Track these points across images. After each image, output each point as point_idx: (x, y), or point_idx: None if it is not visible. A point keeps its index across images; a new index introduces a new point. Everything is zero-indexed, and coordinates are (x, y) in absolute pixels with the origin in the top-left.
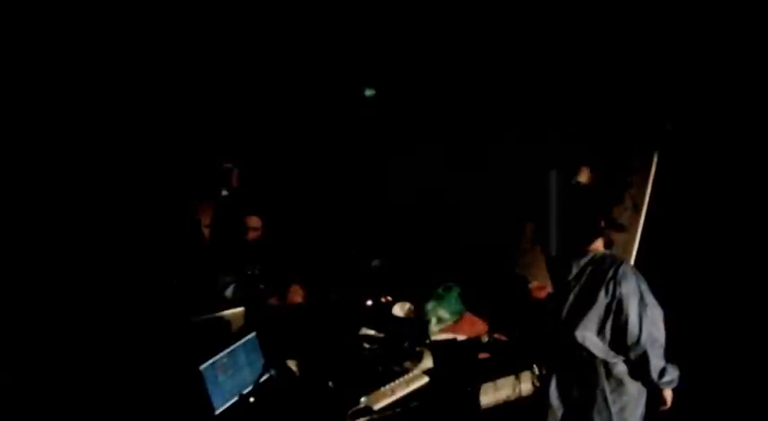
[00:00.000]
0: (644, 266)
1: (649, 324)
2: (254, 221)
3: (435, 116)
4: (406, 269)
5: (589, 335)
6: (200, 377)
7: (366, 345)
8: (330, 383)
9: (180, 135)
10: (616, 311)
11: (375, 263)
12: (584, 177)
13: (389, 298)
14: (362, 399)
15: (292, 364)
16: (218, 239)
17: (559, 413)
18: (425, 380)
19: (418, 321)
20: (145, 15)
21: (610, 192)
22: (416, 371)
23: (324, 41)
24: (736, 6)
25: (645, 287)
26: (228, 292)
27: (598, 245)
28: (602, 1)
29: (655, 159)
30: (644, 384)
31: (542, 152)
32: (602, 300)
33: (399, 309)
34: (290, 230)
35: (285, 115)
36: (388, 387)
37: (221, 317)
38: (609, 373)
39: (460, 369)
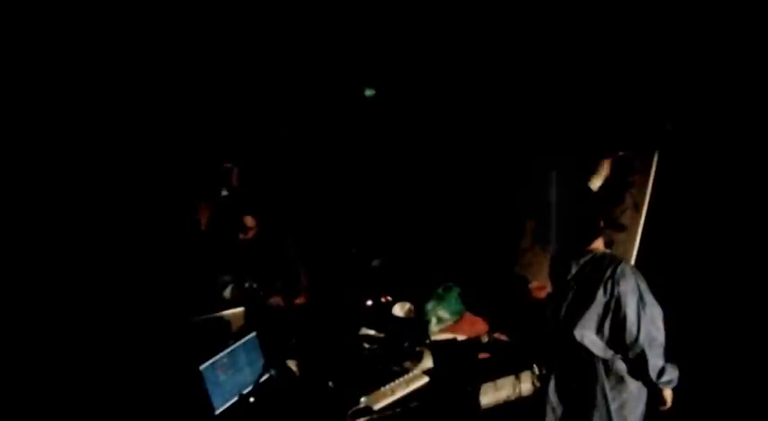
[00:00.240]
0: (644, 266)
1: (648, 323)
2: (249, 221)
3: (435, 116)
4: (406, 269)
5: (588, 334)
6: (200, 377)
7: (366, 345)
8: (330, 383)
9: (180, 135)
10: (614, 310)
11: (375, 263)
12: (599, 178)
13: (389, 298)
14: (362, 399)
15: (292, 364)
16: (218, 239)
17: (559, 411)
18: (425, 380)
19: (418, 321)
20: (146, 15)
21: (610, 191)
22: (416, 371)
23: (324, 42)
24: (736, 6)
25: (644, 286)
26: (227, 293)
27: (598, 244)
28: (603, 1)
29: (655, 159)
30: (644, 383)
31: (542, 152)
32: (601, 298)
33: (399, 309)
34: (290, 231)
35: (285, 115)
36: (388, 387)
37: (221, 317)
38: (608, 371)
39: (460, 369)
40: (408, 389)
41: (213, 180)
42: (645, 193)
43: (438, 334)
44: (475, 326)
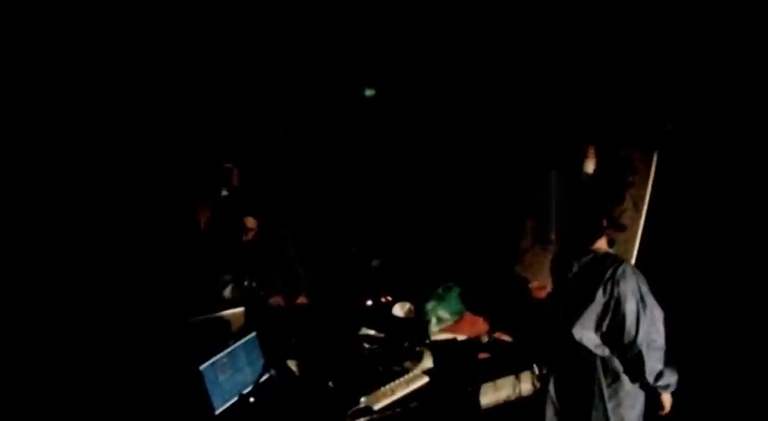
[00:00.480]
0: (644, 266)
1: (647, 325)
2: (250, 222)
3: (435, 115)
4: (405, 269)
5: (586, 333)
6: (200, 377)
7: (366, 345)
8: (330, 383)
9: (181, 135)
10: (614, 311)
11: (375, 263)
12: (590, 165)
13: (389, 298)
14: (362, 399)
15: (292, 364)
16: (218, 239)
17: (558, 409)
18: (425, 380)
19: (418, 321)
20: (146, 15)
21: (611, 190)
22: (416, 371)
23: (324, 42)
24: (736, 6)
25: (645, 288)
26: (227, 292)
27: (601, 244)
28: (602, 1)
29: (655, 159)
30: (641, 386)
31: (542, 152)
32: (601, 298)
33: (399, 309)
34: (290, 231)
35: (285, 116)
36: (388, 387)
37: (221, 317)
38: (606, 369)
39: (460, 369)
40: (408, 389)
41: (213, 180)
42: (645, 193)
43: (438, 334)
44: (475, 326)
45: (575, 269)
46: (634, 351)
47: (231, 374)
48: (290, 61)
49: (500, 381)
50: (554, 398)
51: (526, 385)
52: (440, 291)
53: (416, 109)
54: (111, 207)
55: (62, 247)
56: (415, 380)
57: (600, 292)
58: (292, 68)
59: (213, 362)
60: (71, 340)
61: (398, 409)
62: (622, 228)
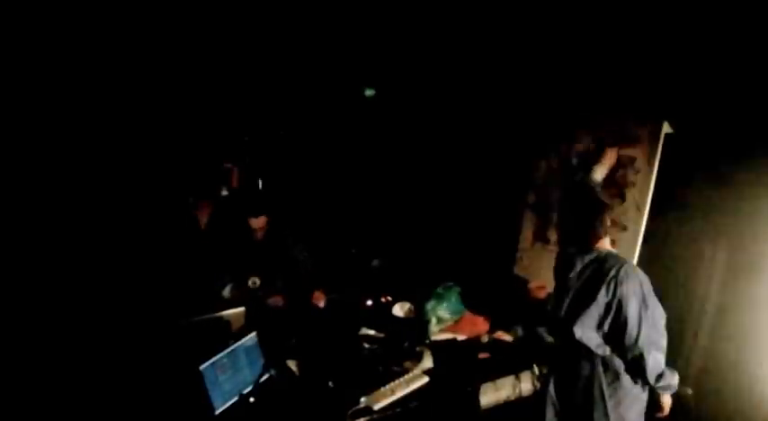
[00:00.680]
0: (645, 266)
1: (649, 326)
2: (255, 222)
3: (435, 115)
4: (406, 269)
5: (587, 333)
6: (200, 377)
7: (366, 345)
8: (330, 383)
9: (181, 135)
10: (616, 310)
11: (375, 263)
12: (604, 167)
13: (389, 298)
14: (362, 399)
15: (292, 364)
16: (217, 239)
17: (558, 409)
18: (425, 380)
19: (418, 321)
20: (146, 15)
21: (613, 190)
22: (416, 371)
23: (324, 42)
24: (735, 6)
25: (648, 288)
26: (226, 292)
27: (604, 243)
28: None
29: (656, 159)
30: (641, 385)
31: (542, 151)
32: (603, 298)
33: (399, 309)
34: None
35: (286, 115)
36: (388, 387)
37: (221, 317)
38: (606, 368)
39: (460, 369)
40: (408, 389)
41: (213, 180)
42: (647, 193)
43: (438, 334)
44: (475, 327)
45: (577, 269)
46: (635, 352)
47: (231, 374)
48: (290, 61)
49: (500, 381)
50: (554, 399)
51: (526, 385)
52: (440, 290)
53: (416, 109)
54: (112, 207)
55: (62, 248)
56: (415, 380)
57: (602, 292)
58: (292, 68)
59: (213, 362)
60: (71, 341)
61: (398, 409)
62: (623, 228)
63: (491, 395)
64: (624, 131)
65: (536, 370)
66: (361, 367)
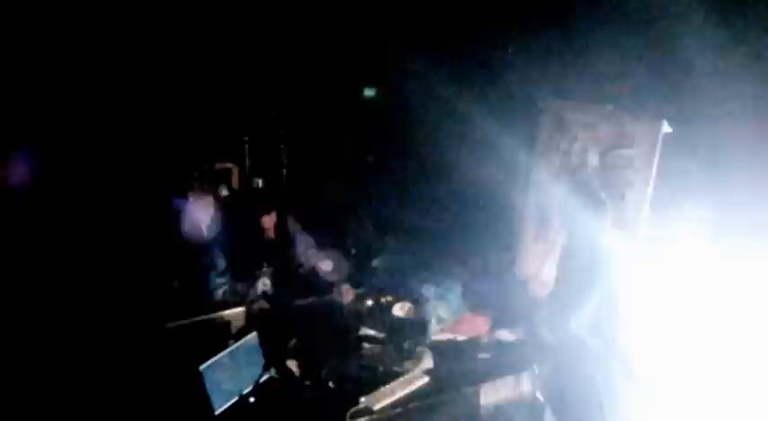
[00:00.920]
0: (642, 265)
1: (647, 324)
2: (272, 219)
3: (435, 116)
4: (405, 269)
5: (586, 330)
6: (200, 377)
7: (366, 345)
8: (330, 383)
9: (180, 134)
10: (613, 309)
11: (375, 262)
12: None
13: (389, 298)
14: (362, 399)
15: (292, 364)
16: (217, 239)
17: (558, 409)
18: (425, 380)
19: (418, 321)
20: (146, 15)
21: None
22: (416, 371)
23: (324, 41)
24: (735, 6)
25: (646, 287)
26: (219, 294)
27: (601, 243)
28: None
29: (655, 159)
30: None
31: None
32: (600, 295)
33: (399, 309)
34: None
35: (285, 116)
36: (388, 387)
37: (221, 317)
38: (605, 367)
39: (460, 369)
40: (408, 389)
41: (213, 180)
42: (646, 193)
43: (438, 334)
44: (475, 327)
45: (578, 265)
46: (634, 348)
47: (231, 374)
48: (291, 61)
49: (500, 381)
50: (552, 393)
51: (526, 385)
52: (440, 290)
53: (417, 109)
54: (111, 207)
55: (61, 248)
56: (414, 380)
57: (600, 290)
58: (292, 69)
59: (213, 362)
60: (71, 341)
61: (398, 409)
62: (622, 228)
63: (491, 395)
64: (623, 131)
65: (536, 370)
66: (361, 367)
